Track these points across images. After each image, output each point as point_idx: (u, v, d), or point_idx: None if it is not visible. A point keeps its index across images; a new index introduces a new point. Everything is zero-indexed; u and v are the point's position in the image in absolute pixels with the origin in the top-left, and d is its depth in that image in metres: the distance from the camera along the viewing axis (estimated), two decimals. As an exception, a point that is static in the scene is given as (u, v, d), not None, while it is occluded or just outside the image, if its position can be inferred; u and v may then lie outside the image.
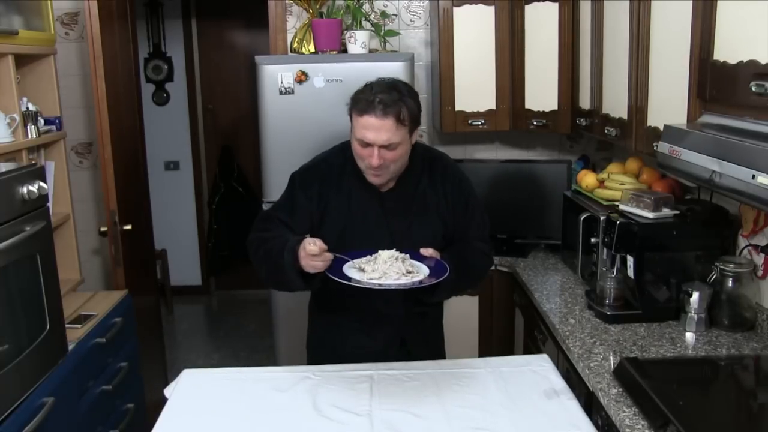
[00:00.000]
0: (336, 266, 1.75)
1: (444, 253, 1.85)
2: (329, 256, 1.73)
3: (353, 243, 1.88)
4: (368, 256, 1.78)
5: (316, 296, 2.16)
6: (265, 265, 1.86)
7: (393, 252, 1.76)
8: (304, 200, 1.94)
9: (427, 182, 1.97)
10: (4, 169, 2.03)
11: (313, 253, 1.71)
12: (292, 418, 1.68)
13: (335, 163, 1.97)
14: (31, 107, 2.63)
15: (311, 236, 1.81)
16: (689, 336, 2.03)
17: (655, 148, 1.90)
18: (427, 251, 1.80)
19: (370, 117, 1.77)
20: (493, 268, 2.71)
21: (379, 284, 1.68)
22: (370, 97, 1.78)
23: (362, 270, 1.74)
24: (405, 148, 1.85)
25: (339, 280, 1.69)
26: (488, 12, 3.00)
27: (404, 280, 1.70)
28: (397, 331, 2.04)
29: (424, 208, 1.96)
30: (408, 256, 1.77)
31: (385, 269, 1.72)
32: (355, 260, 1.77)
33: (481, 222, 2.03)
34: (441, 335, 2.20)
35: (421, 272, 1.75)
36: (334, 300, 2.05)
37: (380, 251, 1.77)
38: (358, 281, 1.69)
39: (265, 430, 1.64)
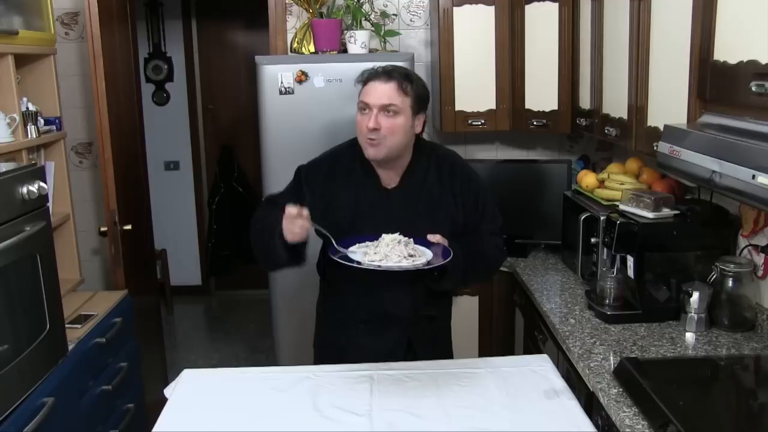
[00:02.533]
0: (338, 249, 1.76)
1: (453, 241, 1.84)
2: (306, 224, 1.73)
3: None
4: (371, 241, 1.79)
5: (324, 295, 2.16)
6: (259, 242, 1.87)
7: (396, 235, 1.78)
8: (308, 195, 1.94)
9: (434, 179, 1.97)
10: (4, 169, 2.03)
11: (291, 215, 1.71)
12: (292, 418, 1.68)
13: (344, 159, 1.98)
14: (31, 107, 2.63)
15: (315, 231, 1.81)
16: (689, 336, 2.03)
17: (655, 148, 1.90)
18: (434, 237, 1.81)
19: (374, 82, 1.86)
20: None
21: (379, 266, 1.69)
22: (374, 70, 1.90)
23: (365, 254, 1.75)
24: (403, 121, 1.86)
25: (338, 260, 1.70)
26: (488, 12, 3.00)
27: (405, 263, 1.71)
28: (404, 333, 2.04)
29: (431, 205, 1.96)
30: (411, 240, 1.78)
31: (387, 252, 1.72)
32: (358, 244, 1.79)
33: (492, 217, 2.04)
34: (449, 340, 2.20)
35: (423, 256, 1.76)
36: (341, 299, 2.05)
37: (384, 235, 1.78)
38: (359, 262, 1.70)
39: (265, 430, 1.64)
